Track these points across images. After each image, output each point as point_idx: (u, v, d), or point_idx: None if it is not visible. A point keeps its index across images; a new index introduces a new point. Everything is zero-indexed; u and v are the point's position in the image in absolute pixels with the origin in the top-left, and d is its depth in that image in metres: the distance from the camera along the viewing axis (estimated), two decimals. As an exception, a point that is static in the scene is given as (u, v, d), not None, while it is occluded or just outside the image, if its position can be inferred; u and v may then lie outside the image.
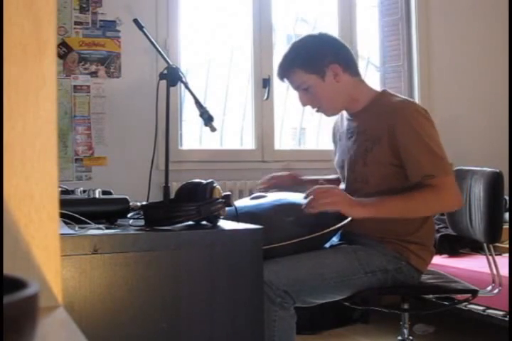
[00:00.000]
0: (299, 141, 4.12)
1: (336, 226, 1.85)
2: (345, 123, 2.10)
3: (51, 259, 0.72)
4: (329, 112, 2.08)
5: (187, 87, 1.61)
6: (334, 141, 2.22)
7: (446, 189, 1.83)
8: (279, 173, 2.29)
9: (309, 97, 2.00)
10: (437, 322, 3.08)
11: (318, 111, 2.06)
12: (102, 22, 3.21)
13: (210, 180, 1.42)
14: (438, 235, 2.98)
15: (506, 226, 2.76)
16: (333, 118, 2.22)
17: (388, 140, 1.89)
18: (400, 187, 1.89)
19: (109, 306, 1.23)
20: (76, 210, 1.32)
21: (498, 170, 2.10)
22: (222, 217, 1.41)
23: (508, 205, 3.31)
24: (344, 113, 2.11)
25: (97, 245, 1.20)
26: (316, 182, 2.18)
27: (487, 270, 2.19)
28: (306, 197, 1.81)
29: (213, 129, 1.60)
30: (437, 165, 1.84)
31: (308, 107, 2.07)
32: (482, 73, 4.02)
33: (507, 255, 2.69)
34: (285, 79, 2.03)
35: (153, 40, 1.69)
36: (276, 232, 1.77)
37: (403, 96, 2.05)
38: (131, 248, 1.25)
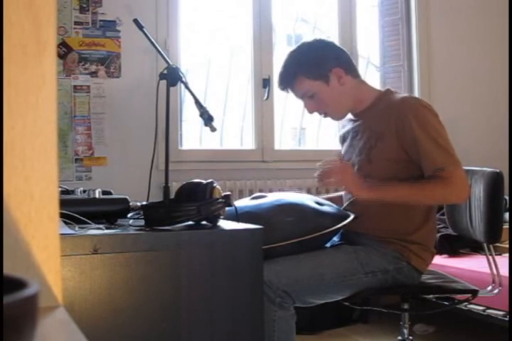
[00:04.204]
0: (299, 141, 4.12)
1: (337, 226, 1.85)
2: (350, 123, 2.11)
3: (51, 259, 0.72)
4: (337, 116, 2.08)
5: (187, 87, 1.61)
6: (341, 142, 2.22)
7: (455, 181, 1.84)
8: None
9: (315, 104, 2.01)
10: (437, 322, 3.08)
11: (325, 116, 2.07)
12: (102, 22, 3.21)
13: (210, 180, 1.42)
14: (438, 235, 2.97)
15: (506, 226, 2.76)
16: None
17: (396, 135, 1.89)
18: (404, 180, 1.89)
19: (109, 306, 1.23)
20: (76, 210, 1.32)
21: (498, 170, 2.10)
22: (222, 217, 1.41)
23: (508, 205, 3.31)
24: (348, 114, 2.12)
25: (97, 245, 1.20)
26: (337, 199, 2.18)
27: (487, 270, 2.19)
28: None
29: (213, 129, 1.60)
30: (446, 158, 1.86)
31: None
32: (482, 73, 4.02)
33: (507, 255, 2.69)
34: (288, 90, 2.03)
35: (153, 40, 1.69)
36: (276, 232, 1.77)
37: (406, 94, 2.05)
38: (131, 248, 1.25)
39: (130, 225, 1.39)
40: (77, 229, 1.26)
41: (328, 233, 1.85)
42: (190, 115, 3.50)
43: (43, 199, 0.71)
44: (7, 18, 0.68)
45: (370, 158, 1.96)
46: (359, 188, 1.84)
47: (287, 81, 2.01)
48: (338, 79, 1.98)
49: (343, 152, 2.15)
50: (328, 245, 1.99)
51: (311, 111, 2.05)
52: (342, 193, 2.15)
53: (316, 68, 1.97)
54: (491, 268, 2.17)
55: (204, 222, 1.40)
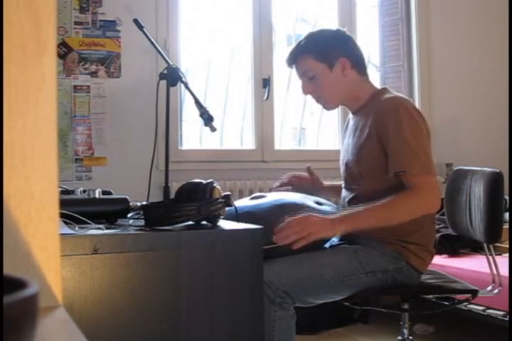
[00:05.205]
0: (299, 141, 4.12)
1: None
2: (350, 121, 2.12)
3: (51, 259, 0.72)
4: (329, 104, 2.08)
5: (187, 87, 1.61)
6: (343, 140, 2.23)
7: (425, 189, 1.80)
8: (302, 174, 2.26)
9: (312, 86, 2.02)
10: (437, 322, 3.08)
11: (318, 101, 2.08)
12: (102, 22, 3.21)
13: (210, 180, 1.42)
14: (438, 235, 2.97)
15: (506, 226, 2.75)
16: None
17: (377, 135, 1.90)
18: (394, 182, 1.87)
19: (109, 306, 1.23)
20: (76, 210, 1.32)
21: (498, 170, 2.10)
22: (222, 217, 1.41)
23: (508, 205, 3.31)
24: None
25: (97, 245, 1.20)
26: (336, 188, 2.17)
27: (487, 270, 2.19)
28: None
29: (213, 129, 1.60)
30: (413, 162, 1.82)
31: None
32: (482, 73, 4.02)
33: (507, 255, 2.69)
34: (293, 66, 2.04)
35: (153, 40, 1.69)
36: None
37: (398, 94, 2.04)
38: (131, 248, 1.25)
39: (130, 225, 1.40)
40: (77, 229, 1.26)
41: (328, 233, 1.85)
42: (190, 115, 3.50)
43: (43, 199, 0.71)
44: (7, 18, 0.68)
45: (361, 158, 1.96)
46: (331, 228, 1.74)
47: (294, 56, 2.03)
48: (342, 69, 1.99)
49: (341, 150, 2.16)
50: (327, 245, 1.99)
51: (305, 93, 2.06)
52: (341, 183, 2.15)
53: (325, 51, 1.98)
54: (490, 268, 2.17)
55: (204, 222, 1.40)
